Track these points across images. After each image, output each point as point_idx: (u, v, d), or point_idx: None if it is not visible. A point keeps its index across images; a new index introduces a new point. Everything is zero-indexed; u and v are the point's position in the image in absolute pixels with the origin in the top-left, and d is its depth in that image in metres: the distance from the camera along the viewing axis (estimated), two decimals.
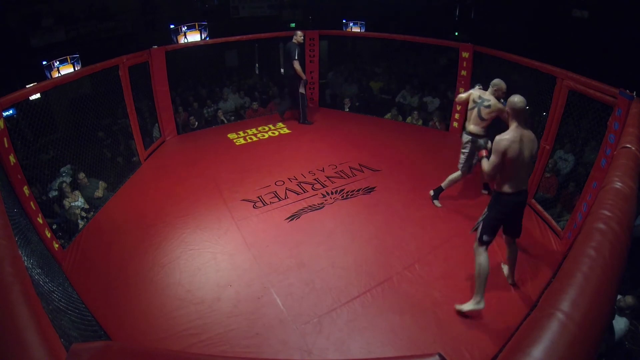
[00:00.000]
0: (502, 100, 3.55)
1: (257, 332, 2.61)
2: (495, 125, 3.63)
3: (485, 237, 2.67)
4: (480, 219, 2.74)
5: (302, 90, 5.92)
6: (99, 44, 7.51)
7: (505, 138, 2.49)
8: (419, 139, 5.63)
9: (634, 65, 4.87)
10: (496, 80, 3.60)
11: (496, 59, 4.82)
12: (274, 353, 2.47)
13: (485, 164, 2.60)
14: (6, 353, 0.85)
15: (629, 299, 2.72)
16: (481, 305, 2.70)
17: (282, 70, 6.34)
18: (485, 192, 4.24)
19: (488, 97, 3.59)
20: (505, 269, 3.09)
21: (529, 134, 2.53)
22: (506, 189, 2.60)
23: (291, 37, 5.84)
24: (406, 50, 7.66)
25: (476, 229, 2.75)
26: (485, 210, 2.74)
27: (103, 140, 5.41)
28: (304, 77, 5.83)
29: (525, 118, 2.53)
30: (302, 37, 5.80)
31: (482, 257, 2.67)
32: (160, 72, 5.38)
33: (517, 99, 2.50)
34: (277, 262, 3.24)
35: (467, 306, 2.71)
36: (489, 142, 3.01)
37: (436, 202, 4.06)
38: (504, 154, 2.48)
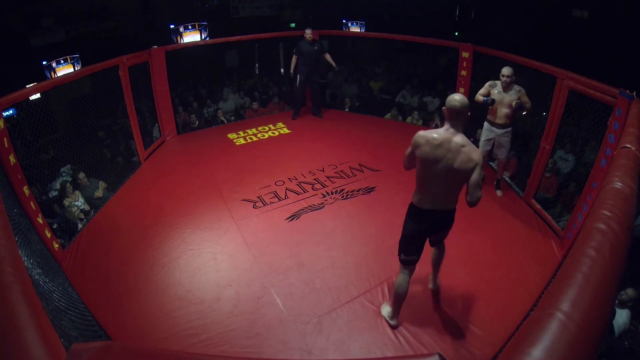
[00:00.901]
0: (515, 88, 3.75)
1: (257, 332, 2.61)
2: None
3: (402, 256, 2.38)
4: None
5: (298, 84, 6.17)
6: (99, 44, 7.51)
7: (423, 133, 2.14)
8: None
9: (634, 65, 4.87)
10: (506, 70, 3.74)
11: (496, 59, 4.82)
12: (274, 353, 2.47)
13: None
14: (6, 353, 0.85)
15: (630, 291, 2.76)
16: (393, 322, 2.57)
17: (282, 70, 6.49)
18: (499, 192, 4.27)
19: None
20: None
21: (459, 143, 2.06)
22: (415, 200, 2.28)
23: (299, 38, 6.02)
24: (406, 50, 7.66)
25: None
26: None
27: (103, 140, 5.41)
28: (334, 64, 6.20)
29: (461, 122, 2.10)
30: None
31: (399, 277, 2.43)
32: (160, 72, 5.38)
33: (454, 97, 2.09)
34: (277, 262, 3.24)
35: (385, 310, 2.67)
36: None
37: (498, 192, 4.23)
38: (414, 148, 2.16)
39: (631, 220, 1.25)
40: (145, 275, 3.13)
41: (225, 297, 2.90)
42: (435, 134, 2.11)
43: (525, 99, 3.73)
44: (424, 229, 2.34)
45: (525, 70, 4.20)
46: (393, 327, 2.59)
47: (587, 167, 3.99)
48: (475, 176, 2.08)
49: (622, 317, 2.71)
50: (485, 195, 4.17)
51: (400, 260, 2.42)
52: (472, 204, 2.14)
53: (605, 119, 3.16)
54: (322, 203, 4.06)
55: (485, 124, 4.08)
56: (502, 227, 3.70)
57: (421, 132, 2.16)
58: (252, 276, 3.10)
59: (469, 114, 2.10)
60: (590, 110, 3.44)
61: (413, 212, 2.33)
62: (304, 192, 4.27)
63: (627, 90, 2.77)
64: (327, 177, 4.56)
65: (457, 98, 2.08)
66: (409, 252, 2.39)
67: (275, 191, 4.28)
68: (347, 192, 4.26)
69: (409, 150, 2.24)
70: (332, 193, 4.24)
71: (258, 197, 4.18)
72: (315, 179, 4.51)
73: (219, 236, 3.58)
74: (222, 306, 2.82)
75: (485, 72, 5.51)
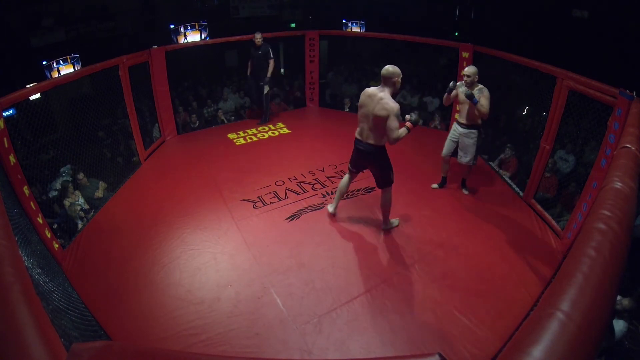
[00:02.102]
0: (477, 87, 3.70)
1: (257, 332, 2.61)
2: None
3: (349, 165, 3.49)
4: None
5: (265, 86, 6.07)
6: (99, 44, 7.51)
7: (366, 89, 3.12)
8: (419, 139, 5.63)
9: (634, 65, 4.87)
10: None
11: (496, 59, 4.83)
12: (274, 353, 2.47)
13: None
14: (6, 353, 0.85)
15: (626, 302, 2.72)
16: (331, 210, 3.74)
17: (282, 70, 6.48)
18: (465, 191, 4.27)
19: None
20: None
21: (377, 94, 2.98)
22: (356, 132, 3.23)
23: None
24: (406, 50, 7.66)
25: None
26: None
27: (103, 140, 5.41)
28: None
29: (389, 85, 2.99)
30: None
31: (343, 177, 3.61)
32: (160, 72, 5.38)
33: (386, 66, 2.98)
34: (277, 262, 3.24)
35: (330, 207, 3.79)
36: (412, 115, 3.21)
37: (464, 191, 4.28)
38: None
39: (631, 220, 1.25)
40: (145, 275, 3.13)
41: (225, 297, 2.90)
42: (370, 89, 3.06)
43: (483, 101, 3.61)
44: (354, 152, 3.36)
45: (525, 70, 4.20)
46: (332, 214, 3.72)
47: (587, 167, 3.99)
48: (388, 122, 2.93)
49: (618, 325, 2.68)
50: (485, 196, 4.21)
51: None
52: (391, 142, 3.02)
53: (605, 119, 3.16)
54: (322, 203, 4.06)
55: (454, 124, 4.02)
56: (502, 227, 3.70)
57: (366, 89, 3.10)
58: (252, 276, 3.10)
59: (396, 80, 2.98)
60: (590, 110, 3.44)
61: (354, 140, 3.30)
62: (304, 192, 4.27)
63: (627, 90, 2.77)
64: (327, 177, 4.56)
65: (386, 67, 2.97)
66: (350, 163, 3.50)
67: (275, 191, 4.28)
68: (347, 192, 4.25)
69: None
70: (332, 193, 4.24)
71: (258, 197, 4.18)
72: (315, 179, 4.51)
73: (219, 236, 3.58)
74: (222, 306, 2.82)
75: (485, 72, 5.52)
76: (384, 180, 3.34)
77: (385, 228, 3.58)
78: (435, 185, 4.35)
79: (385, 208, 3.49)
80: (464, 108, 3.80)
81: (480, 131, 3.86)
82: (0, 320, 0.93)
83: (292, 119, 6.47)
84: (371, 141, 3.12)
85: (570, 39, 6.24)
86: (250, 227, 3.70)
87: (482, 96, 3.63)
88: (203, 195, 4.25)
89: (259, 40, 5.81)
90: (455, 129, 3.95)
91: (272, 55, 5.88)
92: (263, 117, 6.34)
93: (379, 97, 2.94)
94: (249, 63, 6.05)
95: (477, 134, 3.85)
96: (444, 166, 4.23)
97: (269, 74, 5.95)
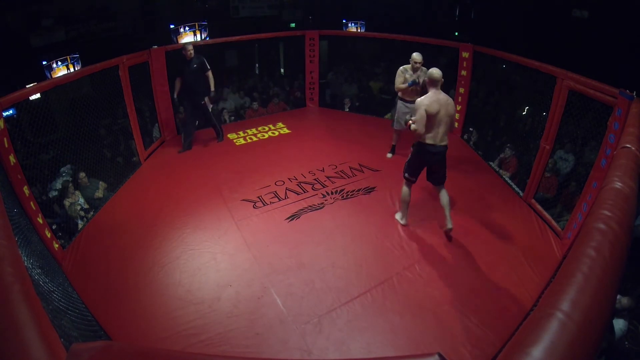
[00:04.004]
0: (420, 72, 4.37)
1: (257, 332, 2.61)
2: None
3: (406, 175, 3.53)
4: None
5: (209, 104, 5.38)
6: (99, 44, 7.50)
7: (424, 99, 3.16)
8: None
9: (634, 65, 4.87)
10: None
11: (496, 58, 4.83)
12: (274, 353, 2.47)
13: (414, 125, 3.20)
14: (6, 353, 0.85)
15: (624, 301, 2.72)
16: (403, 222, 3.67)
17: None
18: (390, 155, 5.03)
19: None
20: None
21: (445, 97, 3.17)
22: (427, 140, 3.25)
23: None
24: (406, 50, 7.66)
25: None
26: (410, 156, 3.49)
27: (104, 139, 5.40)
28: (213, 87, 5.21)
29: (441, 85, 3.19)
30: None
31: (403, 188, 3.58)
32: (160, 72, 5.38)
33: (435, 71, 3.16)
34: (277, 262, 3.24)
35: (398, 215, 3.73)
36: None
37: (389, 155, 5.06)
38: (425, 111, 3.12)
39: (631, 220, 1.25)
40: (145, 275, 3.13)
41: (225, 297, 2.90)
42: (439, 95, 3.19)
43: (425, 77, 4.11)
44: (423, 160, 3.48)
45: (525, 70, 4.20)
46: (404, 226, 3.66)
47: (587, 167, 3.98)
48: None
49: (618, 324, 2.69)
50: (485, 196, 4.21)
51: (404, 179, 3.60)
52: (453, 129, 3.67)
53: (605, 119, 3.16)
54: (322, 203, 4.06)
55: (400, 103, 4.63)
56: (502, 227, 3.70)
57: (434, 97, 3.19)
58: (252, 276, 3.10)
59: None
60: (590, 110, 3.44)
61: (423, 149, 3.39)
62: (304, 192, 4.27)
63: (627, 90, 2.78)
64: (327, 177, 4.56)
65: (436, 71, 3.17)
66: (413, 174, 3.55)
67: (275, 191, 4.28)
68: (347, 192, 4.26)
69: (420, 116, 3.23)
70: (332, 193, 4.24)
71: (258, 197, 4.18)
72: (315, 179, 4.51)
73: (219, 236, 3.58)
74: (222, 306, 2.82)
75: (485, 71, 5.52)
76: (445, 174, 3.49)
77: (451, 226, 3.43)
78: (389, 155, 5.08)
79: (449, 203, 3.49)
80: (417, 90, 4.40)
81: None
82: (0, 320, 0.93)
83: (292, 119, 6.46)
84: (445, 142, 3.27)
85: (570, 39, 6.24)
86: (250, 227, 3.70)
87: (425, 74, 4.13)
88: (203, 195, 4.25)
89: (190, 52, 4.93)
90: (406, 106, 4.54)
91: (208, 66, 5.08)
92: (218, 135, 5.62)
93: (446, 99, 3.16)
94: (177, 82, 5.10)
95: None
96: (395, 137, 5.04)
97: (212, 88, 5.17)
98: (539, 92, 4.11)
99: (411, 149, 3.68)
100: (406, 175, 3.52)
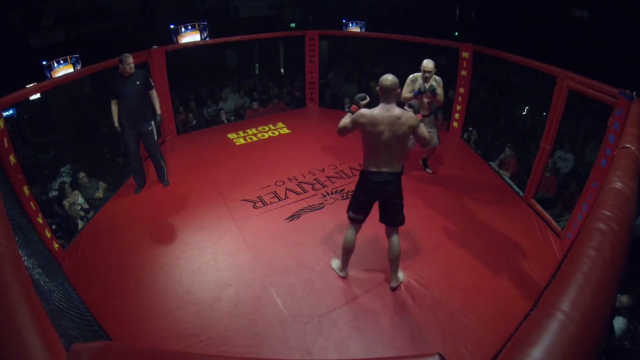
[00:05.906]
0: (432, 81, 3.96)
1: (257, 332, 2.61)
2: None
3: (349, 214, 2.80)
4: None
5: (155, 133, 4.18)
6: (99, 44, 7.50)
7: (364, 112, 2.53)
8: None
9: (634, 65, 4.87)
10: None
11: (496, 59, 4.82)
12: (274, 353, 2.47)
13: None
14: (6, 353, 0.85)
15: (624, 299, 2.73)
16: (342, 274, 3.03)
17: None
18: (429, 170, 4.68)
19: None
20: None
21: (398, 114, 2.45)
22: (366, 166, 2.64)
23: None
24: (406, 50, 7.66)
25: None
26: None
27: (104, 138, 5.39)
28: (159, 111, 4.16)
29: (393, 97, 2.50)
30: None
31: (347, 231, 2.86)
32: (160, 72, 5.38)
33: (385, 78, 2.49)
34: (277, 262, 3.24)
35: (334, 264, 3.12)
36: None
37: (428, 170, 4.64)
38: (354, 122, 2.59)
39: (631, 220, 1.24)
40: (145, 275, 3.13)
41: (225, 297, 2.90)
42: (374, 113, 2.53)
43: (440, 91, 3.96)
44: (363, 193, 2.75)
45: (525, 70, 4.20)
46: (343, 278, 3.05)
47: (587, 167, 3.99)
48: (420, 131, 2.58)
49: (618, 322, 2.69)
50: (485, 196, 4.21)
51: (349, 218, 2.84)
52: (425, 145, 2.68)
53: (605, 119, 3.16)
54: (322, 203, 4.06)
55: None
56: (502, 227, 3.69)
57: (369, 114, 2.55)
58: (252, 276, 3.10)
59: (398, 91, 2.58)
60: (590, 110, 3.44)
61: (363, 177, 2.75)
62: (304, 192, 4.27)
63: (627, 90, 2.77)
64: (327, 177, 4.56)
65: (387, 77, 2.49)
66: (356, 211, 2.82)
67: (275, 191, 4.28)
68: (347, 192, 4.25)
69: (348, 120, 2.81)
70: (332, 193, 4.24)
71: (258, 197, 4.18)
72: (315, 179, 4.51)
73: (219, 236, 3.58)
74: (222, 306, 2.82)
75: (486, 71, 5.53)
76: (402, 215, 2.74)
77: (396, 285, 2.94)
78: None
79: (398, 257, 2.83)
80: (422, 99, 4.05)
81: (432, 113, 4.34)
82: (0, 320, 0.93)
83: (292, 119, 6.46)
84: (394, 169, 2.57)
85: (570, 39, 6.24)
86: (250, 227, 3.70)
87: (439, 86, 3.97)
88: (203, 195, 4.25)
89: (130, 66, 3.83)
90: None
91: (152, 83, 4.09)
92: (161, 177, 4.46)
93: (398, 116, 2.44)
94: (113, 106, 3.93)
95: (433, 117, 4.41)
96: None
97: (158, 111, 4.13)
98: (539, 92, 4.11)
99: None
100: (349, 213, 2.78)
